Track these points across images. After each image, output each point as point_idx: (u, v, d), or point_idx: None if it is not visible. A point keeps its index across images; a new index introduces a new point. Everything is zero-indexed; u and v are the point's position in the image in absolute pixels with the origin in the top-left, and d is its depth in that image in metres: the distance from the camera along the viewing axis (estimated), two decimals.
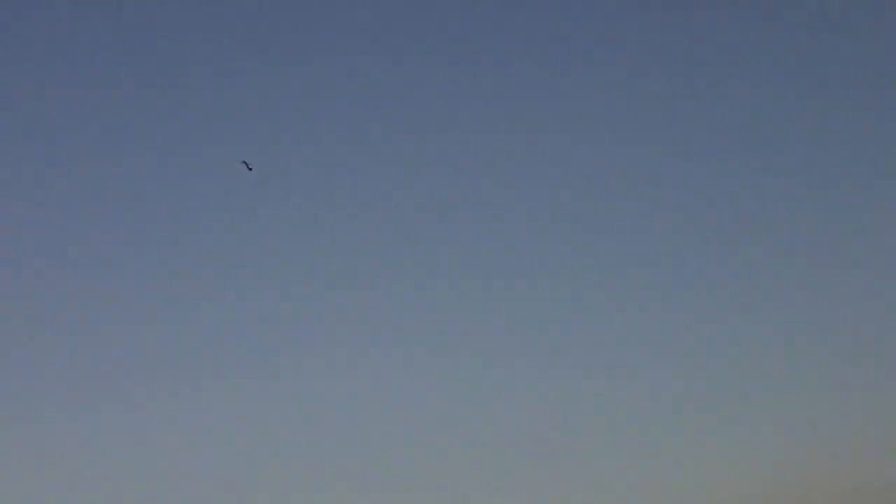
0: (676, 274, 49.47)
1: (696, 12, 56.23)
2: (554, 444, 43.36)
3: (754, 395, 44.45)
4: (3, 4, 56.72)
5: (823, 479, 40.53)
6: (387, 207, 52.88)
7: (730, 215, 50.98)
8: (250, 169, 42.59)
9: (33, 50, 56.92)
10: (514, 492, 41.87)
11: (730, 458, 42.55)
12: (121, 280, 51.08)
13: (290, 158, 53.72)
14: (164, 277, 50.05)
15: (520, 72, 55.28)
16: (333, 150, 53.97)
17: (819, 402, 43.59)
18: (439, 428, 44.19)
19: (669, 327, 47.04)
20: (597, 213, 51.97)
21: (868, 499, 40.09)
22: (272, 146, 52.89)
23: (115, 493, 43.01)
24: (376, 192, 54.18)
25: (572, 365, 45.98)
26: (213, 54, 56.98)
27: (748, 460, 42.45)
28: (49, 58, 56.89)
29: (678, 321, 47.19)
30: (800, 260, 48.59)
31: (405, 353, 46.90)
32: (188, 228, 51.13)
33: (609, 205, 51.83)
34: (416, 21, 56.93)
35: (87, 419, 44.95)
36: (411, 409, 44.70)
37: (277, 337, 47.86)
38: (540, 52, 55.95)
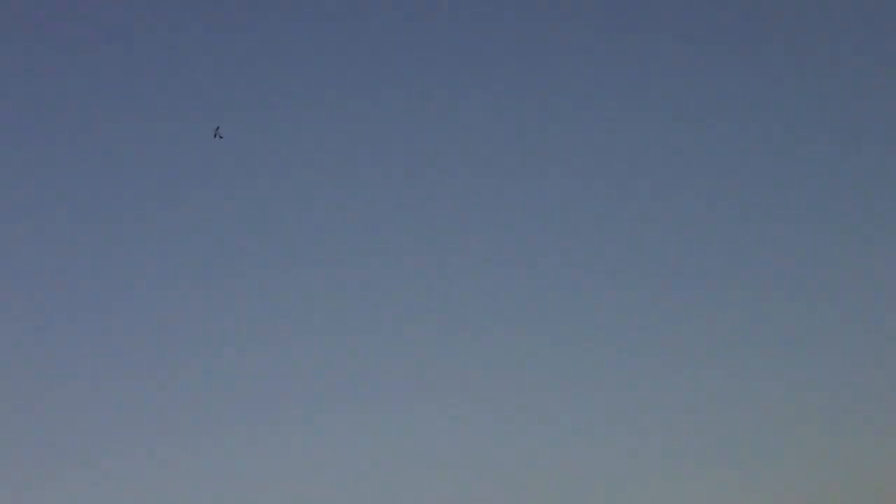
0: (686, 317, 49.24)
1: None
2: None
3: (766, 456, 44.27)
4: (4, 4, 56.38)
5: None
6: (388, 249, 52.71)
7: (746, 261, 50.71)
8: (221, 137, 42.32)
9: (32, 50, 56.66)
10: None
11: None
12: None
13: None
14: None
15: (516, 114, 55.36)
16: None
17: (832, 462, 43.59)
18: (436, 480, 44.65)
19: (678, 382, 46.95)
20: (608, 253, 51.81)
21: None
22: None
23: None
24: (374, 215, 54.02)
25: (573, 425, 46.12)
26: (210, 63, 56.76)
27: None
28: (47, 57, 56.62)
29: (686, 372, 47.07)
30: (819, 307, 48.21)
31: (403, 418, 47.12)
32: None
33: (623, 248, 51.59)
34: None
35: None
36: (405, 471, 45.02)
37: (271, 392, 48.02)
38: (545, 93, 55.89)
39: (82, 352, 48.98)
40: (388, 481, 44.27)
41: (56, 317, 49.93)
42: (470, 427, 46.26)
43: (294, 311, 50.94)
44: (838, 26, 55.59)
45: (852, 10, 55.34)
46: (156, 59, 56.98)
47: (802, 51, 55.69)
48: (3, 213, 53.14)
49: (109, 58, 56.54)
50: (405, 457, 45.43)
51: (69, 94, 56.25)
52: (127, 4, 57.46)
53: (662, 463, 44.72)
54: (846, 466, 43.69)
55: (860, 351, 46.80)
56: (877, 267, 49.15)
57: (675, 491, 43.47)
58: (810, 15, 55.95)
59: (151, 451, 45.00)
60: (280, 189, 54.22)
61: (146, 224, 53.29)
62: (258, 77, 57.00)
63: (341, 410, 47.24)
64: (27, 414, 46.34)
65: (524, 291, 51.37)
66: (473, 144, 55.84)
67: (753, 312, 49.27)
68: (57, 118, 55.72)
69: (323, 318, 50.50)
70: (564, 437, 45.91)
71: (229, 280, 51.60)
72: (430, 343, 49.29)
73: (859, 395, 45.31)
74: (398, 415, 46.77)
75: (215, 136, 43.86)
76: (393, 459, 45.29)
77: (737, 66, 55.48)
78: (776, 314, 49.10)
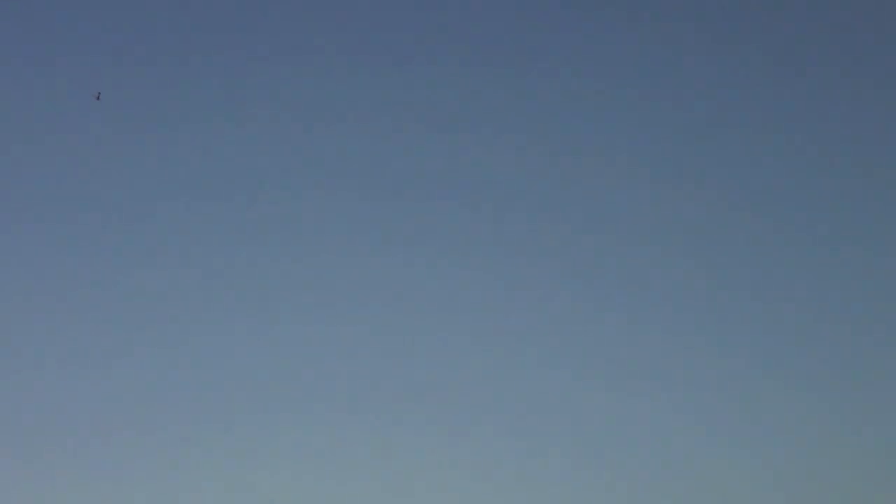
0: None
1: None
2: None
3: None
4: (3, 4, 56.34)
5: None
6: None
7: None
8: (98, 97, 42.67)
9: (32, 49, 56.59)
10: None
11: None
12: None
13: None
14: None
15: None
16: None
17: None
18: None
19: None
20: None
21: None
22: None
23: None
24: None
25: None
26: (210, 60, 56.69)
27: None
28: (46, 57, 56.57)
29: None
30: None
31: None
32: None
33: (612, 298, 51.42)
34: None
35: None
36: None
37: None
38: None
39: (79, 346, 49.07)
40: (382, 481, 44.26)
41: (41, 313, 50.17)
42: (469, 432, 46.24)
43: (292, 308, 51.01)
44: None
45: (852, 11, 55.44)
46: (155, 59, 57.00)
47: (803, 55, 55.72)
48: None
49: (117, 59, 56.64)
50: (400, 457, 45.42)
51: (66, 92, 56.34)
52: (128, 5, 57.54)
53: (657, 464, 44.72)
54: (845, 468, 43.69)
55: (862, 355, 46.79)
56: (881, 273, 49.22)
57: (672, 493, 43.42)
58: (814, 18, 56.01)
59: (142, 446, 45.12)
60: (279, 189, 54.24)
61: (142, 225, 53.35)
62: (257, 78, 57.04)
63: (338, 410, 47.28)
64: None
65: (521, 296, 51.36)
66: (468, 142, 55.86)
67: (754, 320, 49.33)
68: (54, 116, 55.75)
69: (321, 317, 50.55)
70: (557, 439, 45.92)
71: (225, 277, 51.72)
72: (428, 344, 49.26)
73: (860, 398, 45.28)
74: (393, 415, 46.76)
75: (97, 98, 44.92)
76: (388, 459, 45.29)
77: (741, 72, 55.54)
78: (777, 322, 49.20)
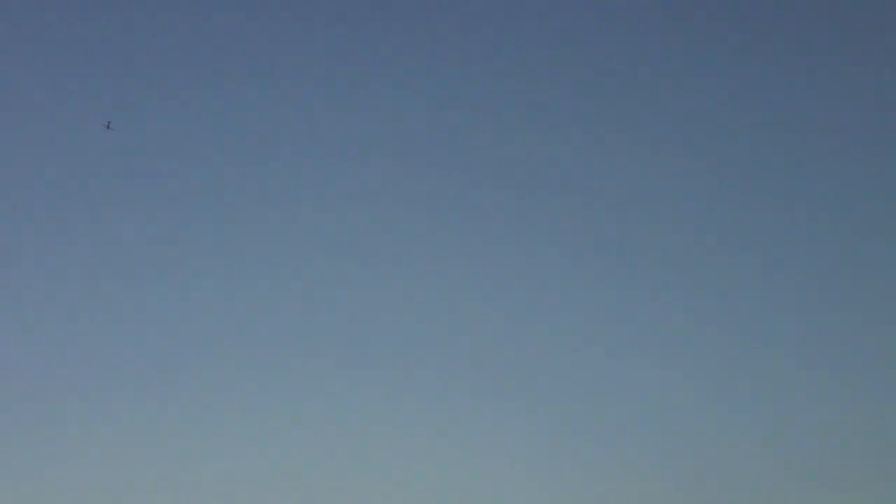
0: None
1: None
2: None
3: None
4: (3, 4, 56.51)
5: None
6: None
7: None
8: (109, 127, 43.25)
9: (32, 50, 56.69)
10: None
11: None
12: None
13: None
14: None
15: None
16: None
17: None
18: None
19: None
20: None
21: None
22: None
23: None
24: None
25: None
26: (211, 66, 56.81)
27: None
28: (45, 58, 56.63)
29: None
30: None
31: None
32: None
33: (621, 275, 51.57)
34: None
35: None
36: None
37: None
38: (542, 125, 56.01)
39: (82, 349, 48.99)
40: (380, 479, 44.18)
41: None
42: (471, 430, 46.15)
43: (292, 309, 50.98)
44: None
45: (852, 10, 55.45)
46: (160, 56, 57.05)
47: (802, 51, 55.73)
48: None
49: (115, 57, 56.64)
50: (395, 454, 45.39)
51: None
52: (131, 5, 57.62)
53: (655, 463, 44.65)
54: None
55: (861, 351, 46.81)
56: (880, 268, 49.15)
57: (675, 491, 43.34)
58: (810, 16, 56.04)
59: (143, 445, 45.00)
60: (284, 189, 54.29)
61: (147, 223, 53.42)
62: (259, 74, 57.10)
63: (337, 410, 47.22)
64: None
65: (523, 290, 51.33)
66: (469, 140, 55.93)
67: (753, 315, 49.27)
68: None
69: (323, 318, 50.53)
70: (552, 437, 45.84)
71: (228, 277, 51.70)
72: (428, 343, 49.24)
73: (860, 396, 45.32)
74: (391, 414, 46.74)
75: (108, 127, 45.62)
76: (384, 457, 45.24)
77: (738, 68, 55.57)
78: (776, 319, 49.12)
